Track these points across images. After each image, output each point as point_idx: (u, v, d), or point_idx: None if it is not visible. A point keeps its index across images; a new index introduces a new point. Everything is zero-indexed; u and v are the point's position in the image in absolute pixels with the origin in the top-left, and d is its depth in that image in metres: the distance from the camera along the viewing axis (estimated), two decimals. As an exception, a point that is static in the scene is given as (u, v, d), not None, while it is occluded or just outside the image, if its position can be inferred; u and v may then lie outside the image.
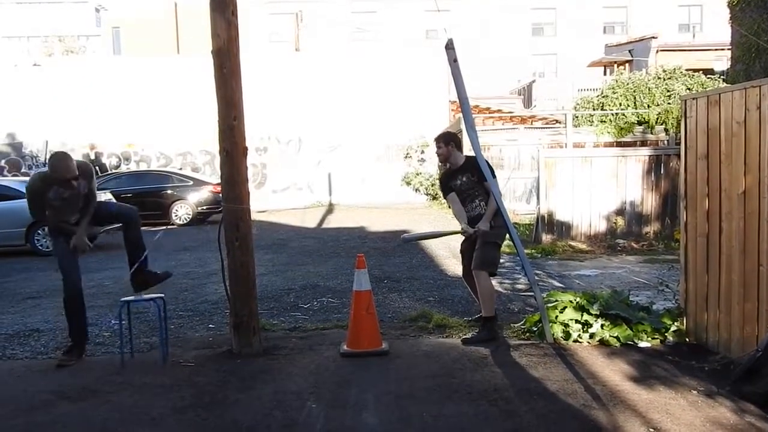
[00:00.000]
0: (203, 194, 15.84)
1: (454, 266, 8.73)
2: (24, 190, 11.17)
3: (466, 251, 5.21)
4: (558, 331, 4.70)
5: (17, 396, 3.95)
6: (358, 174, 20.45)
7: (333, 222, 15.72)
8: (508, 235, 4.97)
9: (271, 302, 6.47)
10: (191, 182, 16.03)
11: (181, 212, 15.72)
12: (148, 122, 19.90)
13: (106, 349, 5.01)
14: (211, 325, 5.70)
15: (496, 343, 4.73)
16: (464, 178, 5.04)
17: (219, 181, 15.15)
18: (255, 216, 17.72)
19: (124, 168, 19.77)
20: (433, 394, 3.79)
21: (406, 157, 20.67)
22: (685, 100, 4.53)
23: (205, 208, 15.84)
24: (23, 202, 11.09)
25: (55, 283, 8.53)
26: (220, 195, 14.92)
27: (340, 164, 20.62)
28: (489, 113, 20.66)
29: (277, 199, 19.69)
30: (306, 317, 5.91)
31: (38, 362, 4.68)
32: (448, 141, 5.13)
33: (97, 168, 19.61)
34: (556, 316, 4.79)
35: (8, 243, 11.14)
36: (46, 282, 8.38)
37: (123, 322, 4.68)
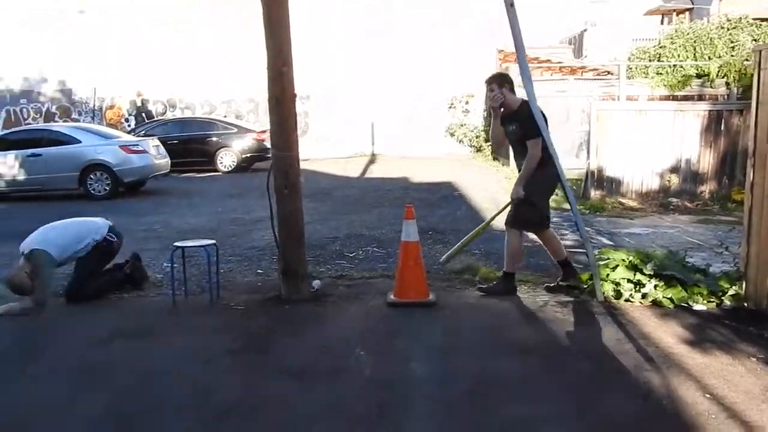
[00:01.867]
0: (247, 142, 15.94)
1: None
2: (77, 135, 11.50)
3: None
4: (609, 289, 4.61)
5: (80, 332, 4.10)
6: (400, 124, 20.22)
7: (376, 172, 15.68)
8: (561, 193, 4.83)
9: (316, 250, 6.52)
10: (235, 129, 16.12)
11: (226, 159, 15.88)
12: (192, 70, 19.97)
13: (160, 290, 5.13)
14: (259, 271, 5.79)
15: (511, 297, 4.71)
16: (512, 127, 4.75)
17: (263, 129, 15.23)
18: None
19: (169, 115, 19.98)
20: (481, 347, 3.78)
21: (450, 107, 20.31)
22: (760, 51, 4.26)
23: (249, 155, 15.97)
24: (76, 147, 11.41)
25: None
26: (264, 143, 15.06)
27: (383, 114, 20.41)
28: (537, 63, 20.06)
29: (320, 148, 19.70)
30: (351, 266, 5.94)
31: (96, 304, 4.82)
32: (501, 82, 4.71)
33: (143, 114, 19.91)
34: (608, 275, 4.69)
35: (63, 187, 11.47)
36: (99, 225, 8.61)
37: (175, 265, 4.78)
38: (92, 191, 11.33)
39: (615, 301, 4.56)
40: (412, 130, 20.26)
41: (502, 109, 4.78)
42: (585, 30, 28.70)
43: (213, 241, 4.86)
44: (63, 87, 20.94)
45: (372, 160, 19.24)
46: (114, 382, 3.32)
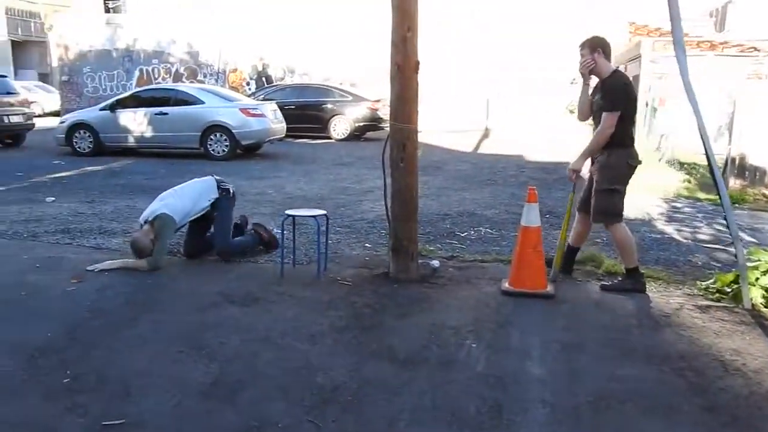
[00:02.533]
0: (361, 110, 15.91)
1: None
2: (201, 96, 11.89)
3: (588, 181, 4.58)
4: (757, 296, 4.05)
5: (190, 294, 4.12)
6: (517, 100, 19.46)
7: (489, 147, 15.19)
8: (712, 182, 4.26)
9: (427, 227, 6.29)
10: (350, 98, 16.12)
11: (339, 127, 15.96)
12: (311, 36, 20.17)
13: (269, 257, 5.11)
14: (367, 245, 5.64)
15: (640, 293, 4.26)
16: (597, 97, 4.28)
17: (377, 98, 15.12)
18: None
19: (288, 80, 20.34)
20: (606, 349, 3.41)
21: (572, 83, 19.28)
22: None
23: (362, 124, 15.96)
24: (199, 108, 11.79)
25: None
26: (377, 112, 14.96)
27: (500, 88, 19.73)
28: (669, 37, 18.50)
29: (433, 119, 19.36)
30: (463, 246, 5.67)
31: (207, 265, 4.86)
32: (594, 47, 4.21)
33: (264, 79, 20.40)
34: (757, 279, 4.12)
35: (185, 146, 11.95)
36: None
37: (285, 233, 4.72)
38: (211, 151, 11.70)
39: (765, 309, 4.00)
40: (529, 106, 19.46)
41: (592, 77, 4.33)
42: (729, 2, 26.18)
43: (323, 212, 4.74)
44: (190, 49, 21.85)
45: (485, 134, 18.69)
46: (217, 351, 3.27)
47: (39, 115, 23.27)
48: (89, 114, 12.39)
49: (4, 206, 7.07)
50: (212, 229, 4.98)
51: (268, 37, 20.64)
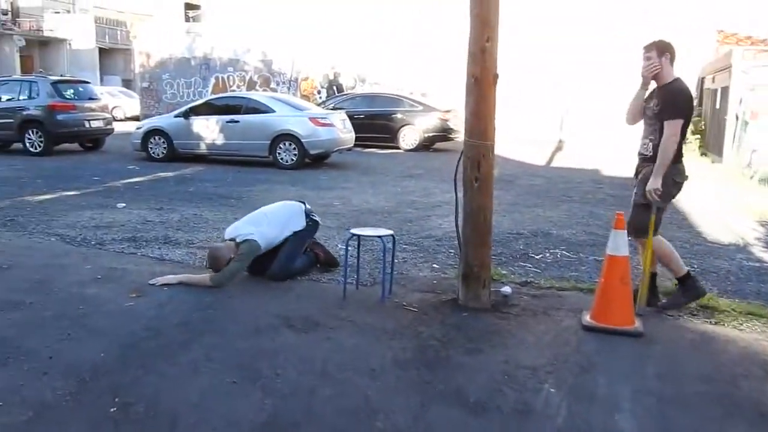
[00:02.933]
0: (431, 120, 15.62)
1: (715, 227, 7.36)
2: (272, 105, 11.94)
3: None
4: None
5: (247, 315, 3.94)
6: (592, 111, 18.68)
7: (563, 161, 14.59)
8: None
9: (498, 247, 5.92)
10: (420, 107, 15.86)
11: (409, 137, 15.72)
12: (383, 46, 20.09)
13: (332, 276, 4.89)
14: (435, 265, 5.34)
15: (699, 300, 4.13)
16: (653, 102, 4.06)
17: (447, 108, 14.78)
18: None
19: (359, 89, 20.31)
20: (708, 405, 2.97)
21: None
22: None
23: (431, 134, 15.66)
24: (269, 117, 11.82)
25: (290, 197, 8.84)
26: (448, 122, 14.62)
27: (574, 98, 19.02)
28: (765, 45, 17.32)
29: (503, 129, 18.83)
30: (538, 271, 5.28)
31: (268, 283, 4.68)
32: (662, 50, 3.99)
33: (334, 87, 20.44)
34: None
35: (255, 154, 11.98)
36: (283, 196, 8.74)
37: (349, 253, 4.48)
38: (280, 160, 11.69)
39: None
40: (605, 117, 18.64)
41: (653, 81, 4.08)
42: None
43: (390, 232, 4.47)
44: (264, 57, 22.21)
45: (559, 147, 18.03)
46: (273, 384, 3.04)
47: (121, 120, 24.24)
48: (164, 120, 12.66)
49: (77, 211, 7.18)
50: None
51: (340, 46, 20.70)
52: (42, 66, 33.23)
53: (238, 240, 4.49)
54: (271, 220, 4.71)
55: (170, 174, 10.65)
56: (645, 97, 4.15)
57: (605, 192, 9.79)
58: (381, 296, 4.31)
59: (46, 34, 35.58)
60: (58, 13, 37.45)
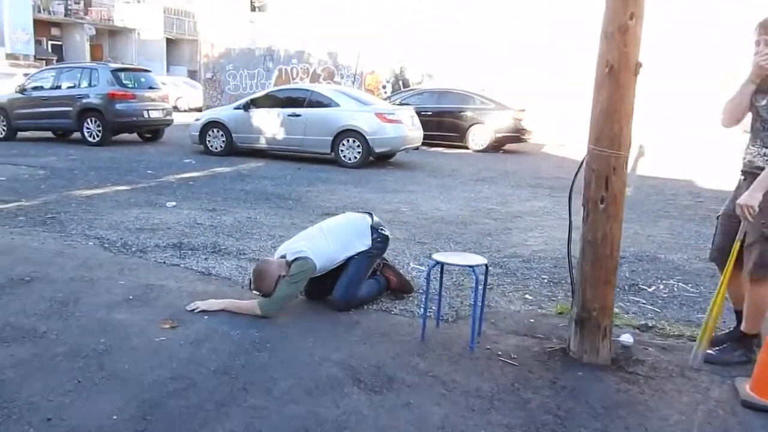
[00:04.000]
0: (504, 120, 14.58)
1: None
2: (337, 99, 11.21)
3: (727, 220, 3.36)
4: None
5: (302, 361, 3.13)
6: (673, 111, 17.21)
7: (649, 169, 13.28)
8: None
9: (601, 274, 4.95)
10: (492, 105, 14.83)
11: (479, 137, 14.73)
12: (450, 41, 19.11)
13: (404, 304, 4.04)
14: (527, 296, 4.42)
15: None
16: (765, 101, 3.13)
17: (521, 107, 13.70)
18: (544, 149, 15.68)
19: (426, 85, 19.42)
20: None
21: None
22: None
23: (503, 135, 14.62)
24: (333, 111, 11.09)
25: (353, 200, 8.12)
26: (521, 122, 13.53)
27: (652, 99, 17.57)
28: None
29: (572, 130, 17.61)
30: (655, 309, 4.28)
31: (328, 314, 3.87)
32: None
33: (401, 82, 19.61)
34: None
35: (316, 150, 11.27)
36: (345, 197, 7.98)
37: (431, 283, 3.62)
38: (342, 158, 10.93)
39: None
40: (690, 118, 17.15)
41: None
42: None
43: (484, 261, 3.57)
44: (329, 50, 21.58)
45: (641, 152, 16.64)
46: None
47: (184, 111, 24.10)
48: (223, 113, 12.10)
49: (124, 210, 6.58)
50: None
51: (407, 40, 19.85)
52: (111, 55, 33.76)
53: (288, 258, 3.69)
54: (330, 235, 3.89)
55: (227, 169, 10.04)
56: (753, 92, 3.15)
57: (707, 207, 8.58)
58: (470, 341, 3.43)
59: (116, 23, 36.15)
60: (128, 3, 38.03)
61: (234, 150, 11.71)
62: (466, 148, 14.83)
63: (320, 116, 11.05)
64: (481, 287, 3.55)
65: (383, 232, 4.04)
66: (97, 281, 4.12)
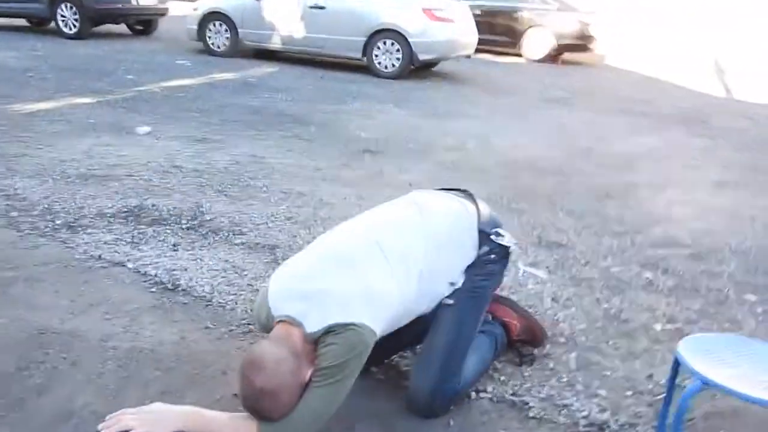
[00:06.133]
0: (567, 23, 12.04)
1: None
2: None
3: None
4: None
5: None
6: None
7: (745, 90, 10.88)
8: None
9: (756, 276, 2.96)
10: (555, 5, 12.24)
11: (535, 44, 12.24)
12: None
13: (538, 382, 2.08)
14: (727, 324, 2.41)
15: None
16: None
17: (590, 9, 10.97)
18: (606, 62, 12.96)
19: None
20: None
21: None
22: None
23: (565, 42, 12.12)
24: (367, 4, 8.56)
25: (398, 128, 5.85)
26: (588, 27, 10.68)
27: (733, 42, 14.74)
28: None
29: (639, 43, 14.92)
30: None
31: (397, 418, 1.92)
32: None
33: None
34: None
35: (344, 54, 8.97)
36: (387, 124, 5.87)
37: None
38: (377, 65, 8.67)
39: None
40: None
41: None
42: None
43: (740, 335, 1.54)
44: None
45: (719, 68, 14.06)
46: None
47: None
48: (228, 1, 9.59)
49: (74, 137, 4.55)
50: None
51: None
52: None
53: (319, 332, 1.60)
54: (412, 260, 1.76)
55: (229, 76, 7.84)
56: None
57: None
58: None
59: None
60: None
61: (240, 50, 9.43)
62: (518, 55, 12.40)
63: (351, 10, 8.66)
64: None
65: (500, 240, 1.97)
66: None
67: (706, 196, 4.38)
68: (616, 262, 3.09)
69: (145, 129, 4.90)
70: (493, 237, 1.89)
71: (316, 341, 1.58)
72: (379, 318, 1.64)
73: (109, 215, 3.17)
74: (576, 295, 2.70)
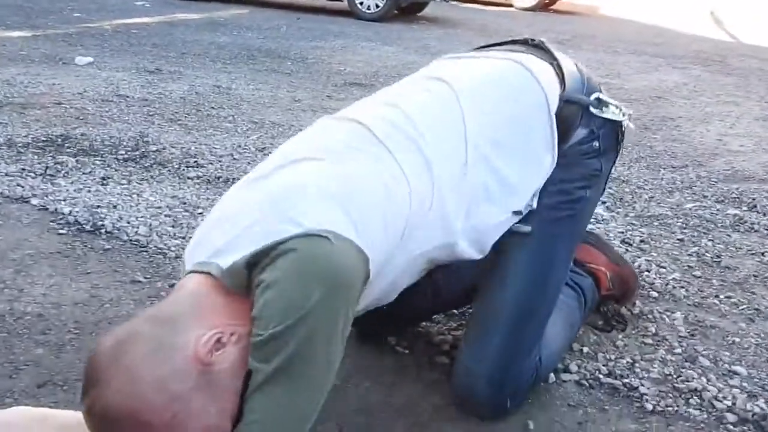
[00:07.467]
0: (561, -32, 11.23)
1: None
2: None
3: None
4: None
5: None
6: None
7: (738, 29, 10.22)
8: None
9: None
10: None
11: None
12: None
13: (631, 365, 1.37)
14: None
15: None
16: None
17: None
18: (601, 11, 12.19)
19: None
20: None
21: None
22: None
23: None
24: None
25: (388, 63, 5.19)
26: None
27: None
28: None
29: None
30: None
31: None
32: None
33: None
34: None
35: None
36: (374, 59, 5.09)
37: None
38: (359, 5, 7.82)
39: None
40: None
41: None
42: None
43: None
44: None
45: (715, 20, 13.39)
46: None
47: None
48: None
49: (2, 67, 3.71)
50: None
51: None
52: None
53: (238, 261, 0.81)
54: (412, 143, 0.98)
55: (194, 16, 6.94)
56: None
57: None
58: None
59: None
60: None
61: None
62: (509, 5, 11.58)
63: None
64: None
65: (606, 113, 1.15)
66: None
67: (758, 128, 3.70)
68: (688, 198, 2.39)
69: (87, 59, 4.06)
70: (592, 108, 1.14)
71: (247, 293, 0.82)
72: (370, 231, 0.85)
73: (20, 144, 2.39)
74: (651, 236, 2.00)
